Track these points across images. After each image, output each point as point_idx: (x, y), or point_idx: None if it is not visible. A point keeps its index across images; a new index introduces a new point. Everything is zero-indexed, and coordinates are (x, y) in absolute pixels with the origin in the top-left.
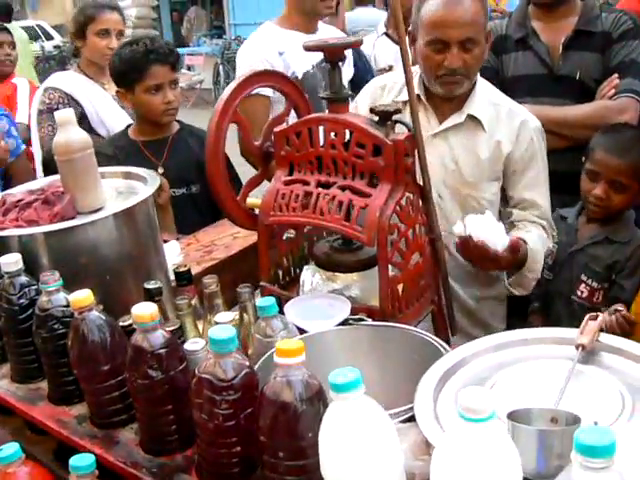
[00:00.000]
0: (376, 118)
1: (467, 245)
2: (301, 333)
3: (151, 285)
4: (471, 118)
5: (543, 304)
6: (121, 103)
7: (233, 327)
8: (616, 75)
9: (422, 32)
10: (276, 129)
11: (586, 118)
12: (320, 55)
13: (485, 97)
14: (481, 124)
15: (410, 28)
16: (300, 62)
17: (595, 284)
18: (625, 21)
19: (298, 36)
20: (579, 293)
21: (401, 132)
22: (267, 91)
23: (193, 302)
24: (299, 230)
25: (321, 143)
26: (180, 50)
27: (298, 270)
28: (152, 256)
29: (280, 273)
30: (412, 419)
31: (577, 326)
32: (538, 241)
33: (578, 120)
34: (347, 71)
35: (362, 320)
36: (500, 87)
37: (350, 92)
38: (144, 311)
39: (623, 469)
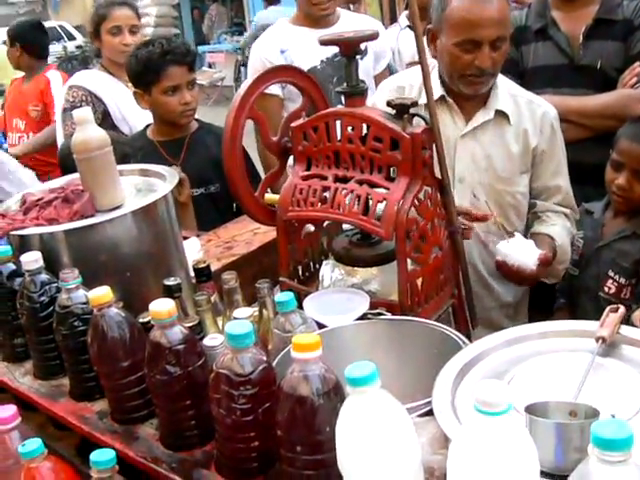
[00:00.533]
0: (393, 112)
1: (504, 269)
2: (320, 328)
3: (170, 282)
4: (498, 113)
5: (569, 300)
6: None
7: (250, 322)
8: (638, 63)
9: (449, 32)
10: (293, 124)
11: (606, 108)
12: (332, 49)
13: (505, 90)
14: (507, 118)
15: (430, 26)
16: (305, 58)
17: (623, 280)
18: None
19: (306, 32)
20: (606, 289)
21: (418, 125)
22: (277, 90)
23: (212, 298)
24: (318, 225)
25: (338, 137)
26: (201, 48)
27: (317, 265)
28: (172, 253)
29: (299, 268)
30: (430, 413)
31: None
32: (563, 232)
33: (598, 110)
34: (379, 61)
35: (381, 314)
36: (520, 78)
37: (366, 86)
38: (162, 307)
39: None
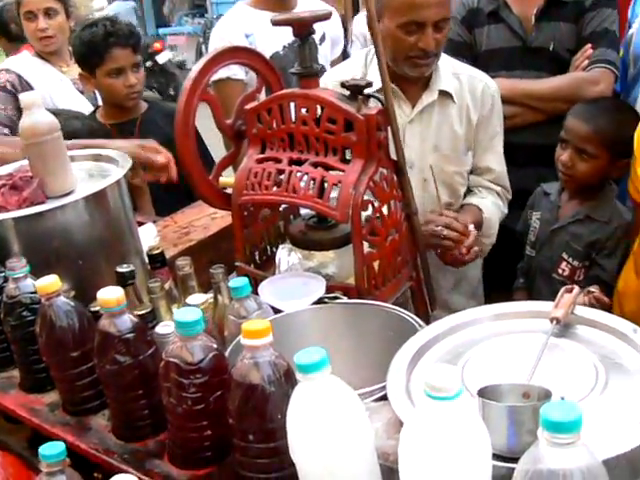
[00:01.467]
0: (347, 93)
1: None
2: (276, 313)
3: (123, 269)
4: (442, 93)
5: (527, 280)
6: (80, 87)
7: (201, 309)
8: (589, 45)
9: (392, 14)
10: (247, 106)
11: (559, 91)
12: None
13: (447, 69)
14: (451, 97)
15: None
16: (268, 43)
17: (576, 263)
18: None
19: (268, 16)
20: (560, 271)
21: (373, 107)
22: (241, 74)
23: (167, 285)
24: (274, 209)
25: (293, 120)
26: (162, 30)
27: (274, 249)
28: (126, 239)
29: (256, 253)
30: (385, 398)
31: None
32: (492, 207)
33: (552, 93)
34: (334, 47)
35: (337, 298)
36: (474, 62)
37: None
38: (110, 295)
39: (592, 444)
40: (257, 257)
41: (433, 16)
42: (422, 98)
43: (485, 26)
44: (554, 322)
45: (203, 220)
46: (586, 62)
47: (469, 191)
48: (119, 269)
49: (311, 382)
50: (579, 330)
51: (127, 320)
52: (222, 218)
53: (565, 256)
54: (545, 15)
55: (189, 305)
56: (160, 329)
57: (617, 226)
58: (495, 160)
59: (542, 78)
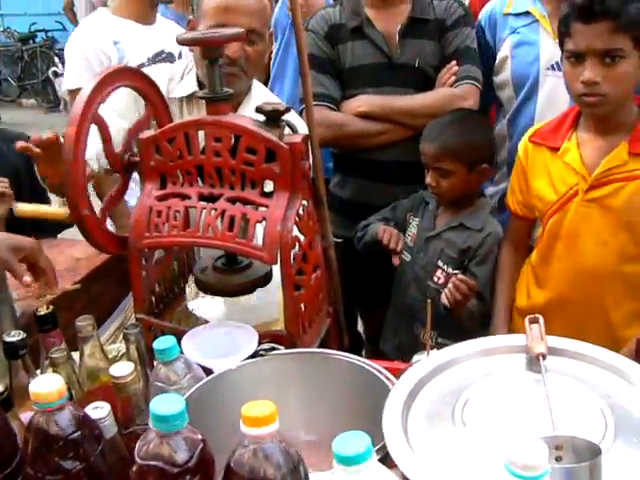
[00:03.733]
0: (262, 118)
1: None
2: (205, 372)
3: (12, 337)
4: None
5: (398, 287)
6: None
7: (177, 394)
8: (454, 62)
9: (204, 18)
10: (141, 136)
11: (430, 107)
12: (154, 48)
13: (261, 100)
14: None
15: (193, 16)
16: (135, 54)
17: (450, 270)
18: (456, 8)
19: (134, 26)
20: (435, 279)
21: (294, 133)
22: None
23: (65, 349)
24: (169, 249)
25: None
26: None
27: (170, 295)
28: None
29: (153, 299)
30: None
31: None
32: None
33: (423, 109)
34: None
35: (274, 349)
36: (339, 78)
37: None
38: (48, 387)
39: None
40: (154, 304)
41: (241, 23)
42: None
43: (349, 42)
44: (541, 358)
45: (66, 263)
46: (453, 78)
47: None
48: (7, 338)
49: (355, 475)
50: (554, 362)
51: (69, 414)
52: (87, 259)
53: (440, 263)
54: (409, 32)
55: (117, 380)
56: (93, 413)
57: (488, 234)
58: None
59: (410, 94)
